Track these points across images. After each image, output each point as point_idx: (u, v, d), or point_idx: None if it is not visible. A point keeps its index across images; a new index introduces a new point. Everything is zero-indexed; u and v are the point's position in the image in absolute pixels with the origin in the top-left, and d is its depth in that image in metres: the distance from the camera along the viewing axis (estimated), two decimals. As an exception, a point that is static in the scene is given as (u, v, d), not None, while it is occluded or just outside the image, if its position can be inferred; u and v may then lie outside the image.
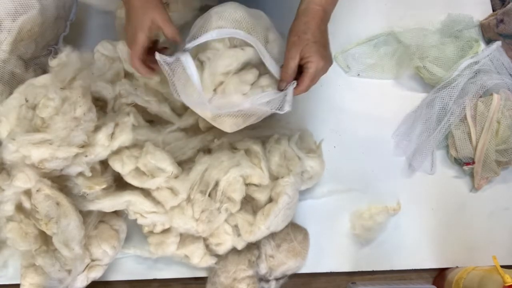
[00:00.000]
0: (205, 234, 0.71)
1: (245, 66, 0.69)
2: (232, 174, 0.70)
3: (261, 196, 0.72)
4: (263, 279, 0.75)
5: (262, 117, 0.70)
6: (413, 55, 0.87)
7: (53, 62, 0.72)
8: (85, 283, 0.70)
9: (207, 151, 0.77)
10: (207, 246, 0.73)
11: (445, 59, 0.86)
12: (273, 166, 0.74)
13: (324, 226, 0.81)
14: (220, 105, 0.66)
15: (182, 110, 0.79)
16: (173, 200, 0.70)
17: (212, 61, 0.68)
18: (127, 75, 0.78)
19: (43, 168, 0.65)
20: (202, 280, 0.76)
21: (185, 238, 0.73)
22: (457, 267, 0.80)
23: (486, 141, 0.81)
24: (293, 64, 0.64)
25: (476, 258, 0.81)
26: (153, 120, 0.78)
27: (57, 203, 0.65)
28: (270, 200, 0.72)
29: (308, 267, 0.78)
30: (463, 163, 0.84)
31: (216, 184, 0.71)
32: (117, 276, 0.77)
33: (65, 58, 0.72)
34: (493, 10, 0.96)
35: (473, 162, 0.83)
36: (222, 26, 0.67)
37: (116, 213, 0.76)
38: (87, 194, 0.70)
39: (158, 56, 0.64)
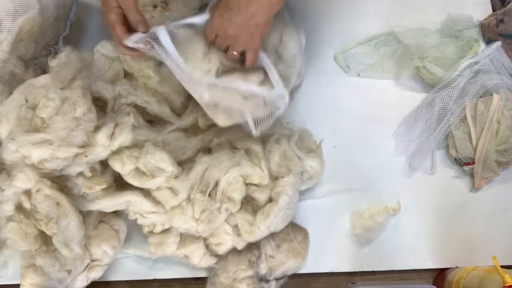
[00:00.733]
0: (205, 234, 0.71)
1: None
2: (232, 174, 0.70)
3: (261, 196, 0.72)
4: (263, 279, 0.75)
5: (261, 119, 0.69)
6: (413, 55, 0.87)
7: (53, 62, 0.72)
8: (85, 283, 0.70)
9: (207, 151, 0.77)
10: (207, 246, 0.73)
11: (445, 59, 0.86)
12: (273, 166, 0.74)
13: (324, 226, 0.81)
14: (217, 98, 0.66)
15: (181, 110, 0.79)
16: (173, 200, 0.69)
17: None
18: (127, 75, 0.78)
19: (43, 168, 0.65)
20: (202, 280, 0.76)
21: (185, 238, 0.73)
22: (457, 267, 0.80)
23: (486, 141, 0.81)
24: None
25: (476, 258, 0.81)
26: (153, 120, 0.78)
27: (57, 203, 0.65)
28: (270, 200, 0.72)
29: (308, 267, 0.78)
30: (463, 163, 0.84)
31: (216, 184, 0.71)
32: (117, 276, 0.77)
33: (65, 58, 0.72)
34: (493, 10, 0.96)
35: (473, 162, 0.83)
36: None
37: (116, 213, 0.76)
38: (87, 194, 0.70)
39: (127, 41, 0.62)
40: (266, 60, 0.67)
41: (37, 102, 0.67)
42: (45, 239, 0.67)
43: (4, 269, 0.75)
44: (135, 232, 0.77)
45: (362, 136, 0.87)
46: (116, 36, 0.63)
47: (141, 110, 0.77)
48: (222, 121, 0.69)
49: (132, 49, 0.64)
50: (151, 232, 0.74)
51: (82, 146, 0.67)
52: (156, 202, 0.71)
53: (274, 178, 0.73)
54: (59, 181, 0.68)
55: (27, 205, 0.66)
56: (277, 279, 0.75)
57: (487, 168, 0.83)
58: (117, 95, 0.74)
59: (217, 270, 0.73)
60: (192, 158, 0.74)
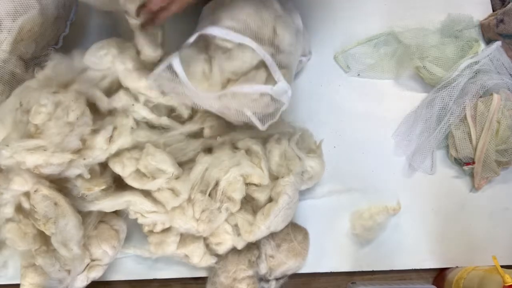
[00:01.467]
0: (205, 234, 0.71)
1: (255, 66, 0.69)
2: (232, 174, 0.70)
3: (261, 196, 0.72)
4: (263, 279, 0.75)
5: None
6: (413, 55, 0.87)
7: (46, 68, 0.71)
8: (85, 283, 0.70)
9: (208, 150, 0.77)
10: (207, 246, 0.73)
11: (445, 59, 0.86)
12: (273, 166, 0.74)
13: (324, 226, 0.81)
14: (227, 104, 0.68)
15: (188, 119, 0.78)
16: (175, 200, 0.69)
17: (222, 60, 0.68)
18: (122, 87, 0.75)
19: (38, 173, 0.64)
20: (202, 280, 0.76)
21: (185, 237, 0.73)
22: (457, 267, 0.80)
23: (486, 141, 0.81)
24: None
25: (476, 258, 0.81)
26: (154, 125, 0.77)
27: (55, 203, 0.65)
28: (270, 200, 0.72)
29: (308, 267, 0.78)
30: (463, 163, 0.84)
31: (217, 183, 0.71)
32: (117, 276, 0.77)
33: (58, 63, 0.71)
34: (493, 10, 0.96)
35: (473, 162, 0.83)
36: (229, 26, 0.68)
37: (116, 213, 0.76)
38: (86, 196, 0.70)
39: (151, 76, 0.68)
40: (266, 56, 0.68)
41: (30, 107, 0.66)
42: (45, 239, 0.67)
43: (4, 269, 0.75)
44: (135, 231, 0.77)
45: (362, 136, 0.87)
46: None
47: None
48: (235, 120, 0.72)
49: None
50: (151, 232, 0.74)
51: (79, 151, 0.67)
52: (157, 202, 0.71)
53: (274, 178, 0.73)
54: (59, 183, 0.68)
55: (26, 205, 0.66)
56: (277, 279, 0.75)
57: (487, 168, 0.83)
58: (112, 110, 0.72)
59: (217, 270, 0.73)
60: (193, 159, 0.74)
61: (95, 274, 0.71)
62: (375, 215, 0.79)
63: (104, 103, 0.71)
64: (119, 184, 0.73)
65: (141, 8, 0.64)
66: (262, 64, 0.69)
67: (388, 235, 0.81)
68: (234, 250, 0.73)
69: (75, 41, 0.87)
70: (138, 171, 0.70)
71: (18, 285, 0.69)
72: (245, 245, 0.72)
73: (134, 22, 0.67)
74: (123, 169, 0.70)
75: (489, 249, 0.81)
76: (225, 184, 0.70)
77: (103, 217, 0.73)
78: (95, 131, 0.68)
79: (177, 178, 0.70)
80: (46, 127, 0.64)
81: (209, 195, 0.71)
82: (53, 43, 0.80)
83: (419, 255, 0.81)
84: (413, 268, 0.80)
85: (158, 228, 0.73)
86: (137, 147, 0.71)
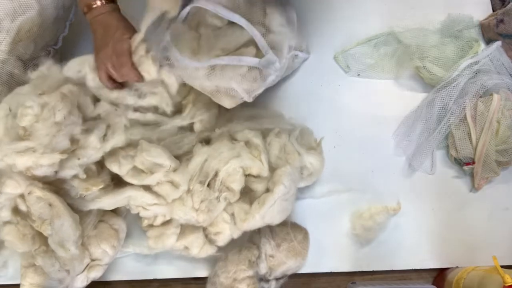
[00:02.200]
0: (205, 224, 0.72)
1: (244, 44, 0.70)
2: (232, 165, 0.71)
3: (258, 187, 0.73)
4: (263, 279, 0.75)
5: (259, 93, 0.73)
6: (413, 55, 0.87)
7: (33, 74, 0.72)
8: (85, 283, 0.70)
9: (206, 141, 0.77)
10: (206, 237, 0.74)
11: (445, 59, 0.86)
12: (272, 159, 0.75)
13: (324, 226, 0.81)
14: (218, 82, 0.69)
15: (172, 115, 0.79)
16: (175, 192, 0.70)
17: (211, 37, 0.70)
18: None
19: (31, 175, 0.64)
20: (202, 280, 0.76)
21: (185, 228, 0.73)
22: (457, 267, 0.80)
23: (486, 141, 0.81)
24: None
25: (476, 258, 0.81)
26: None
27: (50, 205, 0.65)
28: (268, 191, 0.73)
29: (308, 267, 0.78)
30: (463, 163, 0.84)
31: (216, 174, 0.71)
32: (117, 276, 0.77)
33: (46, 72, 0.72)
34: (493, 10, 0.96)
35: (473, 162, 0.83)
36: (220, 2, 0.69)
37: (116, 212, 0.76)
38: (85, 196, 0.70)
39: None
40: (254, 32, 0.69)
41: (17, 111, 0.66)
42: (44, 239, 0.67)
43: (4, 269, 0.75)
44: (134, 231, 0.77)
45: (362, 136, 0.87)
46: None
47: None
48: (227, 103, 0.72)
49: (115, 84, 0.73)
50: (150, 226, 0.74)
51: (73, 150, 0.67)
52: (158, 195, 0.71)
53: (273, 170, 0.74)
54: (56, 184, 0.68)
55: (23, 207, 0.66)
56: (277, 279, 0.75)
57: (487, 168, 0.83)
58: (96, 116, 0.74)
59: (217, 270, 0.73)
60: (189, 152, 0.75)
61: (95, 274, 0.71)
62: (375, 215, 0.79)
63: (89, 109, 0.73)
64: (118, 182, 0.73)
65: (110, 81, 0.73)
66: (251, 42, 0.70)
67: (388, 235, 0.81)
68: (234, 250, 0.73)
69: (75, 42, 0.87)
70: (135, 168, 0.71)
71: (18, 285, 0.69)
72: (241, 234, 0.73)
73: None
74: (120, 167, 0.70)
75: (489, 249, 0.81)
76: (224, 175, 0.71)
77: (102, 217, 0.73)
78: (87, 131, 0.69)
79: (175, 170, 0.71)
80: (34, 128, 0.65)
81: (208, 185, 0.71)
82: (52, 43, 0.80)
83: (419, 255, 0.81)
84: (413, 268, 0.80)
85: (159, 221, 0.73)
86: (131, 145, 0.72)
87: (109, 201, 0.71)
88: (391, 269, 0.80)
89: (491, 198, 0.85)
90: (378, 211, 0.80)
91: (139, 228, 0.77)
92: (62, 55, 0.85)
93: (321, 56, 0.91)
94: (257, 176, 0.74)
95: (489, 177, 0.84)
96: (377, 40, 0.93)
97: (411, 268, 0.80)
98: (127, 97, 0.75)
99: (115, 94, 0.75)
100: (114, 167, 0.70)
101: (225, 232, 0.72)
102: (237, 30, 0.69)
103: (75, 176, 0.69)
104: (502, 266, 0.67)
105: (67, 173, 0.67)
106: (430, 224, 0.83)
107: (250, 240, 0.76)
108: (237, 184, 0.71)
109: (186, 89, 0.78)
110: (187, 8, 0.70)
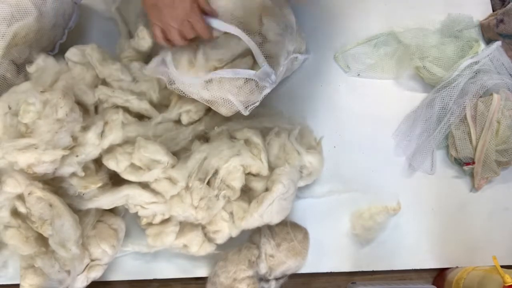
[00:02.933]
0: (204, 221, 0.72)
1: (240, 54, 0.71)
2: (232, 163, 0.71)
3: (258, 186, 0.73)
4: (263, 278, 0.75)
5: (256, 104, 0.73)
6: (413, 55, 0.87)
7: (31, 69, 0.72)
8: (85, 283, 0.70)
9: (204, 139, 0.77)
10: (205, 235, 0.74)
11: (445, 59, 0.86)
12: (271, 158, 0.75)
13: (324, 226, 0.81)
14: (215, 93, 0.70)
15: (160, 105, 0.79)
16: (173, 189, 0.70)
17: (208, 48, 0.70)
18: (104, 81, 0.79)
19: (32, 173, 0.64)
20: (202, 280, 0.76)
21: (184, 226, 0.73)
22: (457, 267, 0.80)
23: (486, 141, 0.81)
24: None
25: (476, 258, 0.81)
26: (137, 118, 0.78)
27: (50, 205, 0.64)
28: (267, 190, 0.73)
29: (308, 267, 0.78)
30: (463, 163, 0.84)
31: (216, 172, 0.71)
32: (117, 276, 0.77)
33: (43, 63, 0.72)
34: (493, 10, 0.96)
35: (473, 162, 0.83)
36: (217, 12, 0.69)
37: (114, 212, 0.76)
38: (83, 194, 0.70)
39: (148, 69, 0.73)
40: (250, 43, 0.69)
41: (19, 108, 0.66)
42: (44, 240, 0.67)
43: (4, 269, 0.75)
44: (133, 230, 0.77)
45: (362, 136, 0.87)
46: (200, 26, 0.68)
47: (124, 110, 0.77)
48: (224, 112, 0.72)
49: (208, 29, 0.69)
50: (149, 224, 0.74)
51: (72, 147, 0.67)
52: (156, 192, 0.72)
53: (272, 170, 0.74)
54: (54, 183, 0.68)
55: (22, 209, 0.66)
56: (277, 279, 0.75)
57: (487, 168, 0.83)
58: (97, 101, 0.75)
59: (217, 270, 0.73)
60: (186, 148, 0.75)
61: (95, 274, 0.71)
62: (375, 215, 0.79)
63: (89, 95, 0.73)
64: (116, 181, 0.73)
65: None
66: (248, 53, 0.71)
67: (388, 235, 0.81)
68: (234, 250, 0.74)
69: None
70: (133, 165, 0.71)
71: (18, 285, 0.69)
72: (239, 232, 0.73)
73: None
74: (118, 164, 0.70)
75: (489, 249, 0.81)
76: (224, 173, 0.71)
77: (101, 217, 0.73)
78: (85, 128, 0.69)
79: (173, 166, 0.71)
80: (36, 125, 0.65)
81: (208, 183, 0.71)
82: (49, 49, 0.79)
83: (419, 255, 0.81)
84: (413, 268, 0.80)
85: (158, 219, 0.73)
86: (128, 142, 0.72)
87: (107, 200, 0.71)
88: (391, 269, 0.80)
89: (491, 198, 0.85)
90: (378, 211, 0.80)
91: (137, 227, 0.77)
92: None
93: (321, 56, 0.91)
94: (256, 175, 0.74)
95: (489, 177, 0.84)
96: (377, 40, 0.93)
97: (411, 268, 0.80)
98: (124, 80, 0.77)
99: (116, 66, 0.76)
100: (111, 164, 0.70)
101: (224, 231, 0.72)
102: (234, 40, 0.70)
103: (74, 174, 0.69)
104: (502, 266, 0.67)
105: (65, 170, 0.67)
106: (430, 224, 0.83)
107: (250, 240, 0.76)
108: (237, 182, 0.72)
109: None
110: None
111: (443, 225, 0.83)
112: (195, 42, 0.71)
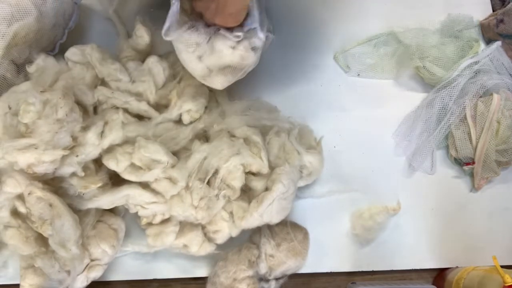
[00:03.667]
0: (204, 221, 0.72)
1: None
2: (232, 163, 0.71)
3: (258, 185, 0.73)
4: (263, 279, 0.75)
5: (248, 71, 0.72)
6: (413, 55, 0.87)
7: (31, 69, 0.72)
8: (85, 283, 0.70)
9: (204, 138, 0.77)
10: (205, 235, 0.74)
11: (445, 59, 0.86)
12: (271, 158, 0.75)
13: (324, 226, 0.81)
14: (209, 61, 0.68)
15: (159, 107, 0.79)
16: (173, 189, 0.70)
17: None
18: (102, 81, 0.79)
19: (32, 173, 0.64)
20: (202, 280, 0.76)
21: (184, 226, 0.73)
22: (457, 267, 0.80)
23: (486, 141, 0.81)
24: None
25: (476, 258, 0.81)
26: (137, 118, 0.78)
27: (50, 205, 0.64)
28: (267, 189, 0.73)
29: (308, 267, 0.78)
30: (463, 163, 0.84)
31: (216, 172, 0.71)
32: (117, 276, 0.77)
33: (42, 63, 0.72)
34: (493, 10, 0.96)
35: (473, 162, 0.83)
36: None
37: (114, 212, 0.76)
38: (83, 194, 0.70)
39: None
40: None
41: (19, 108, 0.66)
42: (44, 240, 0.67)
43: (4, 269, 0.75)
44: (132, 230, 0.77)
45: (362, 136, 0.87)
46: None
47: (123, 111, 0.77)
48: (220, 83, 0.70)
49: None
50: (149, 224, 0.74)
51: (72, 148, 0.67)
52: (156, 192, 0.72)
53: (272, 169, 0.74)
54: (54, 183, 0.68)
55: (22, 209, 0.66)
56: (277, 279, 0.75)
57: (487, 168, 0.83)
58: (96, 102, 0.75)
59: (217, 270, 0.73)
60: (186, 147, 0.75)
61: (95, 274, 0.71)
62: (375, 215, 0.79)
63: (89, 96, 0.73)
64: (116, 181, 0.73)
65: None
66: None
67: (388, 235, 0.81)
68: (234, 250, 0.74)
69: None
70: (133, 165, 0.71)
71: (18, 285, 0.68)
72: (239, 232, 0.73)
73: None
74: (118, 164, 0.70)
75: (489, 249, 0.81)
76: (224, 172, 0.71)
77: (101, 217, 0.73)
78: (85, 128, 0.69)
79: (173, 166, 0.71)
80: (36, 125, 0.64)
81: (208, 183, 0.71)
82: (49, 49, 0.79)
83: (419, 255, 0.81)
84: (413, 268, 0.80)
85: (158, 219, 0.73)
86: (128, 142, 0.72)
87: (107, 200, 0.71)
88: (391, 269, 0.80)
89: (491, 198, 0.85)
90: (378, 211, 0.80)
91: (137, 227, 0.77)
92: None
93: (321, 56, 0.91)
94: (256, 174, 0.74)
95: (489, 177, 0.84)
96: (377, 40, 0.93)
97: (411, 268, 0.80)
98: (123, 80, 0.76)
99: (115, 66, 0.76)
100: (111, 164, 0.70)
101: (224, 231, 0.72)
102: None
103: (74, 174, 0.69)
104: (502, 266, 0.67)
105: (65, 170, 0.67)
106: (430, 224, 0.83)
107: (250, 240, 0.76)
108: (237, 182, 0.72)
109: (173, 83, 0.79)
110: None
111: (443, 225, 0.83)
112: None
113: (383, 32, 0.93)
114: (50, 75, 0.71)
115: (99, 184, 0.70)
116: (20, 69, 0.76)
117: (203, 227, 0.74)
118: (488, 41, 0.92)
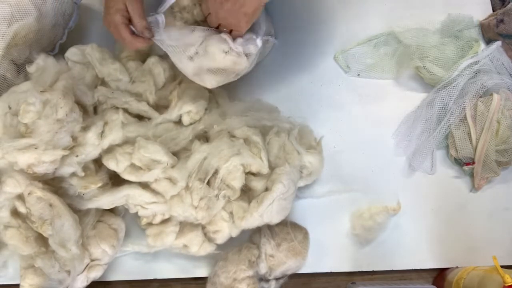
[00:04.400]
0: (204, 221, 0.72)
1: None
2: (232, 163, 0.71)
3: (257, 185, 0.73)
4: (263, 279, 0.75)
5: (241, 74, 0.72)
6: (413, 55, 0.87)
7: (31, 69, 0.72)
8: (85, 283, 0.70)
9: (205, 139, 0.77)
10: (205, 235, 0.74)
11: (445, 59, 0.86)
12: (271, 158, 0.75)
13: (324, 226, 0.81)
14: (199, 63, 0.69)
15: (158, 107, 0.79)
16: (173, 189, 0.70)
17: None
18: (100, 81, 0.79)
19: (32, 173, 0.64)
20: (202, 280, 0.76)
21: (184, 227, 0.73)
22: (457, 267, 0.80)
23: (486, 141, 0.81)
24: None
25: (476, 258, 0.81)
26: (137, 118, 0.78)
27: (50, 205, 0.65)
28: (266, 189, 0.73)
29: (308, 267, 0.78)
30: (463, 163, 0.84)
31: (216, 172, 0.71)
32: (117, 276, 0.77)
33: (43, 63, 0.72)
34: (493, 10, 0.96)
35: (473, 162, 0.83)
36: None
37: (114, 212, 0.76)
38: (83, 194, 0.70)
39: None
40: None
41: (19, 108, 0.66)
42: (44, 240, 0.67)
43: (4, 269, 0.75)
44: (132, 230, 0.77)
45: (362, 136, 0.87)
46: (122, 35, 0.67)
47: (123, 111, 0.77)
48: (210, 82, 0.71)
49: (138, 38, 0.68)
50: (149, 224, 0.74)
51: (72, 148, 0.67)
52: (156, 193, 0.72)
53: (272, 169, 0.74)
54: (54, 183, 0.68)
55: (22, 209, 0.66)
56: (277, 279, 0.75)
57: (487, 168, 0.83)
58: (96, 102, 0.75)
59: (217, 270, 0.73)
60: (186, 148, 0.75)
61: (95, 274, 0.71)
62: (375, 215, 0.79)
63: (88, 96, 0.73)
64: (116, 181, 0.73)
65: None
66: None
67: (388, 235, 0.81)
68: (234, 250, 0.74)
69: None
70: (133, 165, 0.71)
71: (18, 285, 0.69)
72: (239, 232, 0.73)
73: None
74: (117, 164, 0.70)
75: (489, 249, 0.81)
76: (224, 172, 0.71)
77: (101, 217, 0.73)
78: (85, 128, 0.69)
79: (173, 166, 0.71)
80: (36, 125, 0.65)
81: (208, 183, 0.71)
82: (49, 49, 0.80)
83: (419, 255, 0.81)
84: (413, 268, 0.80)
85: (158, 219, 0.73)
86: (128, 142, 0.72)
87: (107, 200, 0.71)
88: (391, 269, 0.80)
89: (491, 198, 0.85)
90: (378, 211, 0.80)
91: (137, 227, 0.77)
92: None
93: (321, 56, 0.91)
94: (256, 174, 0.74)
95: (489, 177, 0.84)
96: (377, 40, 0.93)
97: (411, 268, 0.80)
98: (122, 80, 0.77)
99: (115, 66, 0.77)
100: (111, 164, 0.70)
101: (224, 231, 0.73)
102: None
103: (74, 174, 0.69)
104: (502, 266, 0.67)
105: (65, 170, 0.67)
106: (430, 224, 0.83)
107: (250, 240, 0.76)
108: (237, 182, 0.72)
109: (173, 84, 0.79)
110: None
111: (443, 225, 0.83)
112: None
113: (383, 32, 0.93)
114: (50, 75, 0.71)
115: (99, 184, 0.70)
116: (20, 69, 0.76)
117: (203, 227, 0.74)
118: (488, 41, 0.92)
